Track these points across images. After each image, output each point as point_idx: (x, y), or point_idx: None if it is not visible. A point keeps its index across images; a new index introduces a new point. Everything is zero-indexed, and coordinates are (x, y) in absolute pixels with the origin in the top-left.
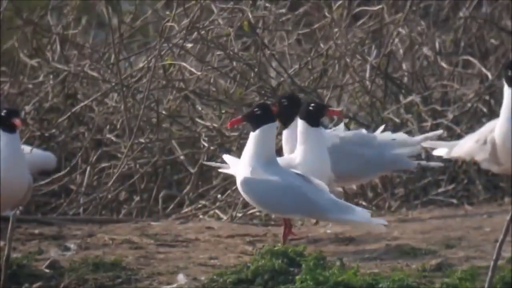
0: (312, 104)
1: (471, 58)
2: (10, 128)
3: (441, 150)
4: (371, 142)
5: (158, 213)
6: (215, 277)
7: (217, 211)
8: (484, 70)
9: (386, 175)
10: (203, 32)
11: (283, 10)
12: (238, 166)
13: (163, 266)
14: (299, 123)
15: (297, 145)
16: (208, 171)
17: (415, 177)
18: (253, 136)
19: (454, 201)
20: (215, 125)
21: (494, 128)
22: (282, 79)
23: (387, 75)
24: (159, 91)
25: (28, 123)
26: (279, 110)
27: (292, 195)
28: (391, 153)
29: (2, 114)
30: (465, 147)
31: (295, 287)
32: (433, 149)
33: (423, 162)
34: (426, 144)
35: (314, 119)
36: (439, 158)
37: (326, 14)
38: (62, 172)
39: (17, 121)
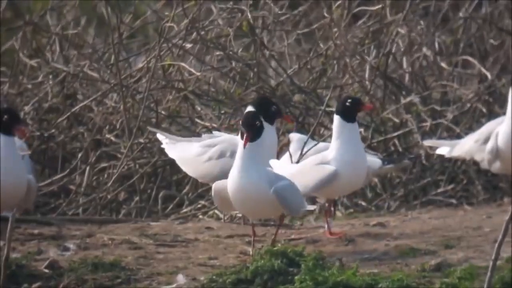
0: (349, 100)
1: (470, 58)
2: (8, 132)
3: (443, 149)
4: None
5: (158, 213)
6: (214, 277)
7: (216, 211)
8: (483, 70)
9: (386, 175)
10: (202, 32)
11: (283, 11)
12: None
13: (163, 266)
14: (335, 118)
15: (332, 141)
16: None
17: (414, 177)
18: (256, 144)
19: (454, 201)
20: (215, 125)
21: (496, 130)
22: (281, 79)
23: (386, 75)
24: (159, 91)
25: (28, 123)
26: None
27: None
28: None
29: (4, 119)
30: (465, 147)
31: (294, 287)
32: (435, 148)
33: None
34: (428, 143)
35: (350, 114)
36: (441, 157)
37: (325, 14)
38: (62, 174)
39: (21, 130)
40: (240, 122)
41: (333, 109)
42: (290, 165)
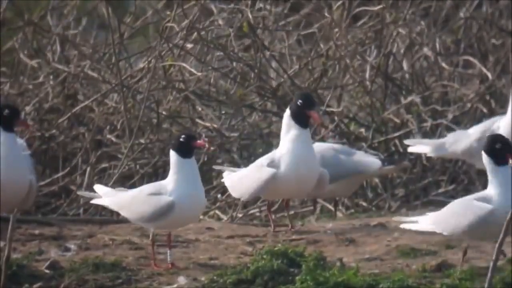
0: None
1: (471, 58)
2: (10, 128)
3: (422, 148)
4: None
5: None
6: (215, 277)
7: (217, 211)
8: (484, 70)
9: (387, 176)
10: (203, 32)
11: (285, 11)
12: None
13: (163, 266)
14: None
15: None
16: (208, 171)
17: (415, 177)
18: None
19: None
20: (215, 125)
21: (498, 127)
22: (282, 79)
23: (387, 76)
24: (159, 92)
25: (29, 124)
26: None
27: None
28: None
29: (4, 113)
30: (462, 144)
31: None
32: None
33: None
34: (408, 142)
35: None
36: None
37: (326, 14)
38: (63, 173)
39: (22, 123)
40: None
41: (334, 109)
42: None
